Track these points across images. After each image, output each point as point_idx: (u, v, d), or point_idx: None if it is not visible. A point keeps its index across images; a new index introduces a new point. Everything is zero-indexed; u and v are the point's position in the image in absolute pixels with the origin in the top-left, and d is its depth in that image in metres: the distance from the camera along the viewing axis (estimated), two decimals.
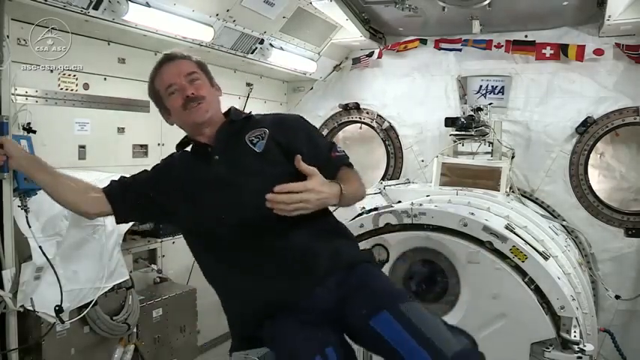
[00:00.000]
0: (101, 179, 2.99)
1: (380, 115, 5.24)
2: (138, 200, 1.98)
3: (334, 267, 1.79)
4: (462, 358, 1.58)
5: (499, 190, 3.86)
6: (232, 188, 1.81)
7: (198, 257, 1.99)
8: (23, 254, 2.62)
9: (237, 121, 1.95)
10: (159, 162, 2.06)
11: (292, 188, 1.66)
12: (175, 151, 2.05)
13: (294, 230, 1.76)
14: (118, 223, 2.08)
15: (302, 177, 1.73)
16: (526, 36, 4.71)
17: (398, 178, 5.02)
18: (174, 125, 2.02)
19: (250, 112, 2.02)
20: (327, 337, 1.74)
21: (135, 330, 3.15)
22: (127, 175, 2.09)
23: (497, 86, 4.90)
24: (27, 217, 2.54)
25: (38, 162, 2.09)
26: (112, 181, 2.05)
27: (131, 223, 3.13)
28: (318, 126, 5.01)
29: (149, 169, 2.06)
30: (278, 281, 1.76)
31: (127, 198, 1.99)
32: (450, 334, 1.67)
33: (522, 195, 4.50)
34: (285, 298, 1.76)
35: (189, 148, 2.02)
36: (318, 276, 1.76)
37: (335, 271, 1.78)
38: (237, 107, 2.05)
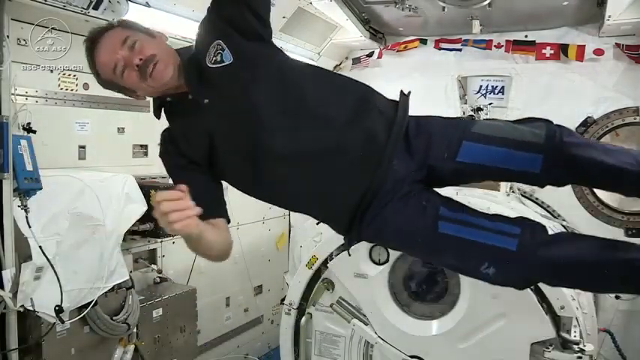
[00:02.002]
0: (101, 179, 3.01)
1: None
2: (211, 191, 1.80)
3: (396, 135, 1.72)
4: (552, 136, 1.67)
5: (499, 190, 3.86)
6: (247, 115, 1.68)
7: (268, 199, 1.87)
8: (23, 254, 2.62)
9: (192, 57, 1.78)
10: (160, 152, 1.87)
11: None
12: (154, 115, 1.87)
13: (336, 120, 1.69)
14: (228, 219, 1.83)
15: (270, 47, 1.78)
16: (526, 36, 4.71)
17: None
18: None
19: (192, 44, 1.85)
20: (432, 199, 1.73)
21: (135, 330, 3.16)
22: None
23: (497, 86, 4.89)
24: (27, 217, 2.55)
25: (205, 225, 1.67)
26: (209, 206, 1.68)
27: (131, 223, 3.13)
28: None
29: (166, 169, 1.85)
30: (353, 175, 1.70)
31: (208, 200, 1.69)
32: (525, 126, 1.74)
33: (522, 195, 4.49)
34: (369, 186, 1.69)
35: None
36: (385, 151, 1.69)
37: (397, 138, 1.72)
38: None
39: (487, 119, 1.85)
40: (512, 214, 3.16)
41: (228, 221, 1.81)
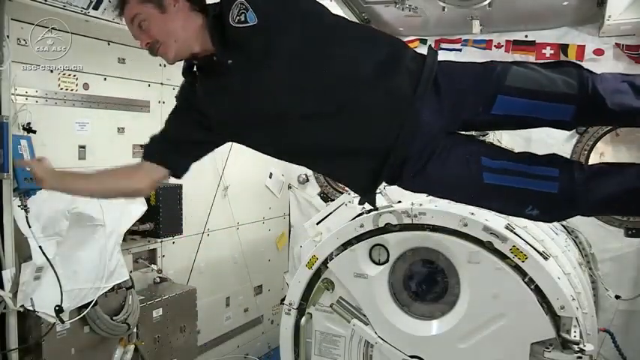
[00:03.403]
0: None
1: None
2: (190, 146, 1.92)
3: (423, 89, 1.72)
4: (585, 85, 1.69)
5: None
6: (271, 76, 1.69)
7: (289, 158, 1.93)
8: (23, 254, 2.62)
9: (216, 16, 1.74)
10: (175, 100, 1.94)
11: None
12: (182, 74, 1.90)
13: (360, 77, 1.69)
14: (180, 177, 1.98)
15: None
16: (526, 36, 4.70)
17: None
18: None
19: None
20: (473, 150, 1.77)
21: (135, 330, 3.16)
22: None
23: None
24: (27, 217, 2.55)
25: (68, 175, 2.05)
26: (148, 146, 1.98)
27: (131, 223, 3.14)
28: None
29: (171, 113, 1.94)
30: (381, 130, 1.72)
31: (175, 149, 1.92)
32: (557, 73, 1.74)
33: None
34: (397, 141, 1.71)
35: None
36: (411, 108, 1.71)
37: (424, 90, 1.72)
38: None
39: (519, 64, 1.81)
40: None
41: (172, 171, 1.94)
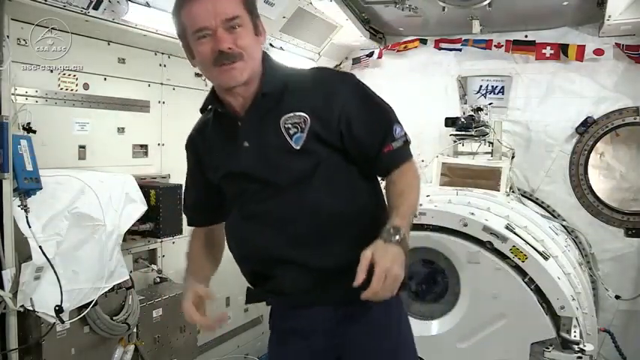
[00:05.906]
0: (101, 179, 3.02)
1: None
2: (216, 198, 1.78)
3: (334, 299, 1.65)
4: None
5: (499, 190, 3.86)
6: (262, 186, 1.57)
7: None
8: (23, 254, 2.62)
9: (273, 94, 1.55)
10: (187, 143, 1.78)
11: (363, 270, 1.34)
12: (200, 109, 1.73)
13: (316, 229, 1.57)
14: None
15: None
16: (526, 36, 4.71)
17: None
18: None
19: (288, 71, 1.63)
20: None
21: (135, 330, 3.16)
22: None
23: (497, 86, 4.90)
24: (27, 217, 2.55)
25: (203, 279, 2.00)
26: (191, 218, 1.89)
27: (131, 223, 3.13)
28: None
29: (187, 163, 1.82)
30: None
31: (209, 209, 1.83)
32: None
33: (522, 195, 4.50)
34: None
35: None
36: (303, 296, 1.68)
37: (330, 305, 1.66)
38: (273, 62, 1.62)
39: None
40: (512, 214, 3.19)
41: (224, 220, 1.83)
